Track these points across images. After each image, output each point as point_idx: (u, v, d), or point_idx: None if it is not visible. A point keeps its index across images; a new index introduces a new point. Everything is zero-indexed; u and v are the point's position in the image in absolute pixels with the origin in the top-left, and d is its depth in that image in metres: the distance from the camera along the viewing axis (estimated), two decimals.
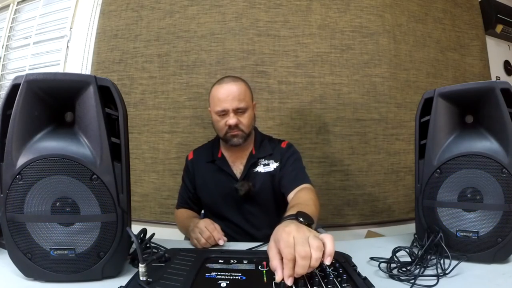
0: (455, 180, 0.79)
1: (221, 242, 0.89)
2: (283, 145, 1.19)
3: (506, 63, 2.15)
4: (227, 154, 1.17)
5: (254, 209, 1.14)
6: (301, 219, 0.65)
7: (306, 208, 0.79)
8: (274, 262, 0.54)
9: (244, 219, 1.14)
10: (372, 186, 1.72)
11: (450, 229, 0.80)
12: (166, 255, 0.70)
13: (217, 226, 0.93)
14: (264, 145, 1.18)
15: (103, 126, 0.66)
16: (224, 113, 1.07)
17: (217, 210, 1.16)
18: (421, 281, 0.66)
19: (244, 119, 1.09)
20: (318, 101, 1.70)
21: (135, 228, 0.70)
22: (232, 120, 1.06)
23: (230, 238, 1.05)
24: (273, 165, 1.14)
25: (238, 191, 1.10)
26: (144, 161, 1.72)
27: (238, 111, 1.07)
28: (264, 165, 1.14)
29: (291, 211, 0.75)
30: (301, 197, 0.98)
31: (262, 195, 1.13)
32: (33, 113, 0.65)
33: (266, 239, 0.68)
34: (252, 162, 1.14)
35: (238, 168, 1.15)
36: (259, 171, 1.13)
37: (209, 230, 0.89)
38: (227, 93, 1.06)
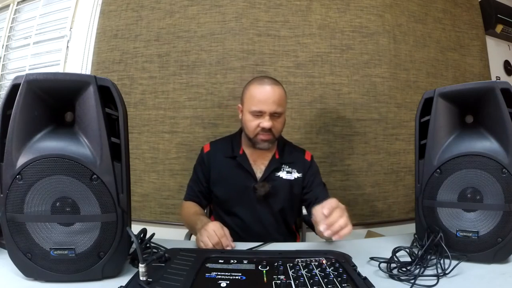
0: (455, 180, 0.79)
1: (228, 249, 0.86)
2: (308, 157, 1.20)
3: (506, 63, 2.15)
4: (248, 152, 1.15)
5: (267, 212, 1.12)
6: None
7: None
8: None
9: (256, 219, 1.12)
10: (372, 186, 1.72)
11: (450, 229, 0.80)
12: (166, 255, 0.70)
13: (227, 231, 0.90)
14: (286, 151, 1.18)
15: (103, 126, 0.66)
16: (259, 114, 1.05)
17: (229, 206, 1.14)
18: (421, 281, 0.66)
19: (278, 124, 1.08)
20: (318, 101, 1.70)
21: (135, 228, 0.70)
22: (267, 123, 1.04)
23: (237, 236, 1.03)
24: (295, 174, 1.14)
25: (256, 191, 1.09)
26: (144, 161, 1.72)
27: (274, 115, 1.06)
28: (287, 172, 1.14)
29: None
30: None
31: (277, 200, 1.12)
32: (33, 113, 0.65)
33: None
34: (275, 166, 1.13)
35: (259, 168, 1.14)
36: (281, 176, 1.13)
37: (217, 236, 0.86)
38: (268, 96, 1.04)
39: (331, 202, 0.79)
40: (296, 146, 1.25)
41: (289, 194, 1.12)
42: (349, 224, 0.76)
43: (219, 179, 1.15)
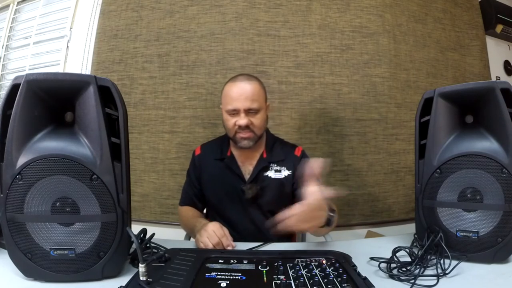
0: (455, 180, 0.79)
1: (229, 249, 0.86)
2: (297, 152, 1.16)
3: (506, 63, 2.15)
4: (236, 154, 1.14)
5: (258, 213, 1.11)
6: (330, 213, 0.84)
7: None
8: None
9: (248, 220, 1.11)
10: (372, 186, 1.72)
11: (450, 229, 0.80)
12: (166, 255, 0.70)
13: (226, 231, 0.90)
14: (276, 148, 1.15)
15: (103, 126, 0.66)
16: (234, 113, 1.04)
17: (221, 209, 1.14)
18: (421, 281, 0.66)
19: (256, 120, 1.05)
20: (318, 101, 1.70)
21: (135, 228, 0.70)
22: (242, 120, 1.02)
23: (235, 239, 1.03)
24: (284, 172, 1.11)
25: (244, 193, 1.08)
26: (144, 161, 1.72)
27: (249, 112, 1.04)
28: (276, 171, 1.11)
29: None
30: None
31: (268, 201, 1.10)
32: (33, 113, 0.65)
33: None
34: (262, 166, 1.11)
35: (247, 169, 1.12)
36: (269, 176, 1.11)
37: (217, 236, 0.86)
38: (240, 92, 1.03)
39: (315, 195, 0.74)
40: (287, 143, 1.21)
41: (279, 194, 1.10)
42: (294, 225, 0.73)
43: (210, 182, 1.15)
